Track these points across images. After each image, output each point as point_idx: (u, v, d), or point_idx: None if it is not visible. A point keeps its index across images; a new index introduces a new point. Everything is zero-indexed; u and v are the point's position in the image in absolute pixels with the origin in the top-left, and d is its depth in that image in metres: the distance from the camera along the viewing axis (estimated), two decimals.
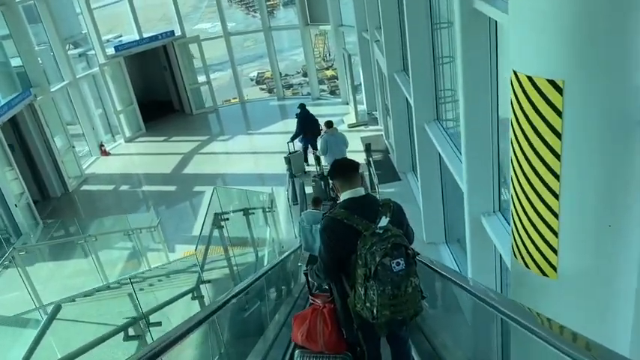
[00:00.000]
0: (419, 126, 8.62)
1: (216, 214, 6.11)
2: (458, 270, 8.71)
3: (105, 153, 15.96)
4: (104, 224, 12.26)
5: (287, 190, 10.54)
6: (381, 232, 2.68)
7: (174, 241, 11.27)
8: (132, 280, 5.79)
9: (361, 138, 13.76)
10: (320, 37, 24.60)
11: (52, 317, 5.79)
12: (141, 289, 6.61)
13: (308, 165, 12.94)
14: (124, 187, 14.26)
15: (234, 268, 6.53)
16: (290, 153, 12.61)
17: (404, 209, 3.00)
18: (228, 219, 6.17)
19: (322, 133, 11.64)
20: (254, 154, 14.65)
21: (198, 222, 9.57)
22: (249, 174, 13.63)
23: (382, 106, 13.43)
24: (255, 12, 22.92)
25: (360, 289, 2.69)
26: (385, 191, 10.80)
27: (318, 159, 12.02)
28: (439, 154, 8.69)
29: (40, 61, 15.11)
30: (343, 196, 2.95)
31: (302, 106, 13.17)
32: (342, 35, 16.25)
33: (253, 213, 7.51)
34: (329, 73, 22.37)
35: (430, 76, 8.38)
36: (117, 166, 15.34)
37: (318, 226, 7.30)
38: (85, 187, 14.35)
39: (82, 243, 8.16)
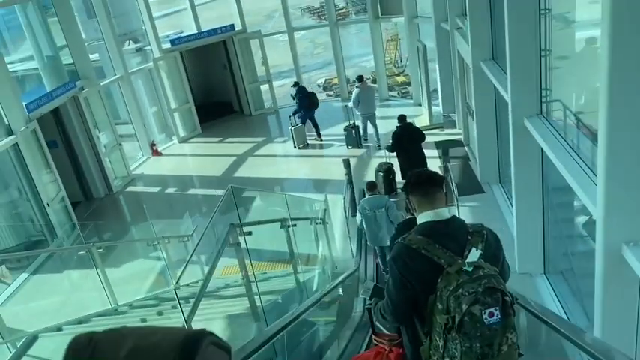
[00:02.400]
0: (516, 123, 6.68)
1: (232, 225, 4.53)
2: (561, 310, 6.82)
3: (156, 153, 14.98)
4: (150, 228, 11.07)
5: (344, 199, 8.81)
6: (470, 269, 2.08)
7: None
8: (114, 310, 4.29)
9: (435, 142, 11.80)
10: (392, 43, 23.30)
11: (22, 353, 4.33)
12: (143, 320, 5.14)
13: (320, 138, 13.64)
14: (170, 190, 13.13)
15: (258, 300, 4.84)
16: (292, 126, 13.44)
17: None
18: (250, 232, 4.55)
19: (355, 86, 12.76)
20: (311, 158, 13.09)
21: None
22: (303, 179, 12.16)
23: (462, 106, 11.51)
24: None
25: (437, 338, 2.12)
26: (465, 205, 8.86)
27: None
28: (541, 161, 6.82)
29: (98, 57, 14.53)
30: (421, 218, 2.34)
31: (296, 84, 13.97)
32: (416, 28, 14.49)
33: (295, 225, 5.85)
34: (400, 79, 20.84)
35: (535, 61, 6.46)
36: (167, 167, 14.27)
37: (383, 210, 6.34)
38: (130, 189, 13.33)
39: (83, 254, 6.74)
